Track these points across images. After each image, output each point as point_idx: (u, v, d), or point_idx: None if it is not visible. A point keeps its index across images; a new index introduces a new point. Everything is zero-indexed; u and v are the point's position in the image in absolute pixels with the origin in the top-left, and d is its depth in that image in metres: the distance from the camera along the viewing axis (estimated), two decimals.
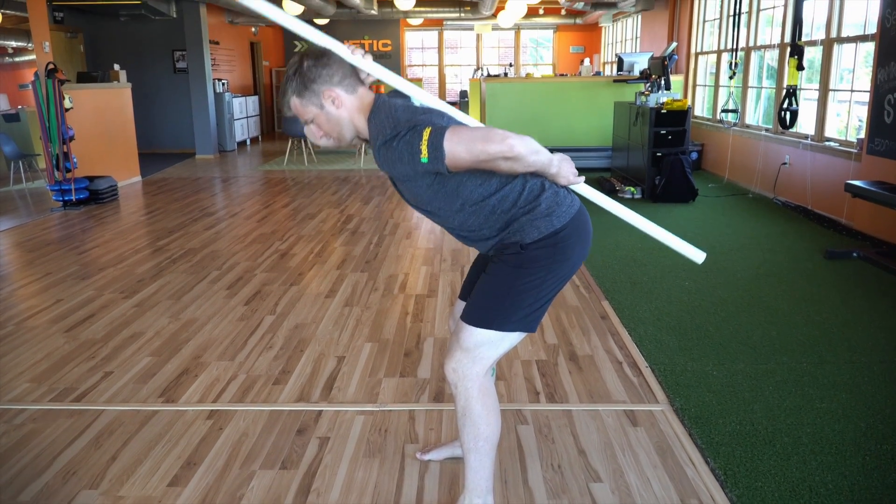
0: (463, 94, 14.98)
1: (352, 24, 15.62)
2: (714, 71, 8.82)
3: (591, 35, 16.01)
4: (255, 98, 13.49)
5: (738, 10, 6.20)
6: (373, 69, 1.82)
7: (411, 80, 10.89)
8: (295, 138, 10.40)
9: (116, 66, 8.71)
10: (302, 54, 1.79)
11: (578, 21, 15.05)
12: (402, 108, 1.72)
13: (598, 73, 11.02)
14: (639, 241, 5.29)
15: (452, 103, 15.93)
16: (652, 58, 8.33)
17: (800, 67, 5.07)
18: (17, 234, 5.98)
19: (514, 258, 1.80)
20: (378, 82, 1.97)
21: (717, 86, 8.71)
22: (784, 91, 5.25)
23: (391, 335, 3.51)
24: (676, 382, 2.87)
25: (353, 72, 1.80)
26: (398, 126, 1.66)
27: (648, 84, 7.44)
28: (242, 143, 12.94)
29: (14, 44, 11.51)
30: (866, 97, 5.57)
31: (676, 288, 4.16)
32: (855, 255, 4.69)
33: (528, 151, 1.62)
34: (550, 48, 16.62)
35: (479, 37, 16.40)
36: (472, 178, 1.76)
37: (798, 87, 5.20)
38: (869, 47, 5.57)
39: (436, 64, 16.71)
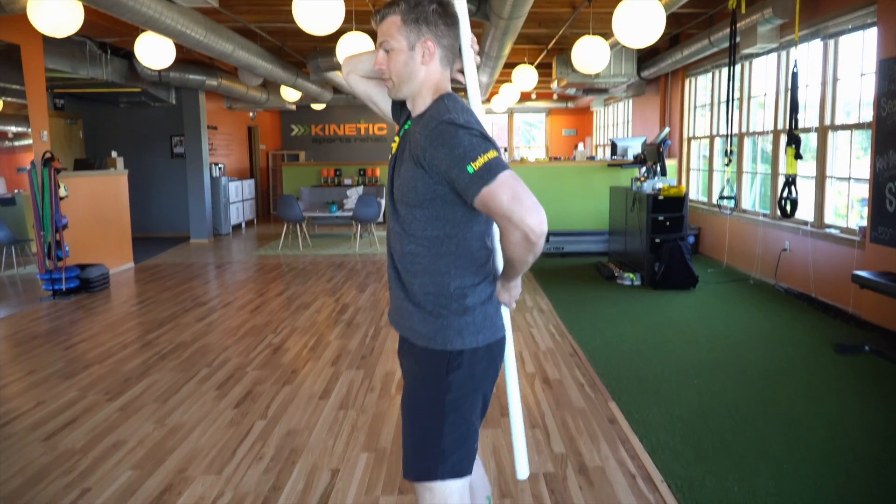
0: None
1: (348, 109, 15.93)
2: (707, 155, 8.91)
3: (583, 118, 16.33)
4: (252, 181, 13.57)
5: (730, 97, 6.27)
6: (471, 72, 1.75)
7: None
8: (290, 223, 10.38)
9: (114, 154, 8.74)
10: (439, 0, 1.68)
11: (570, 105, 15.37)
12: (479, 122, 1.63)
13: (591, 158, 11.14)
14: (643, 334, 5.17)
15: None
16: (646, 143, 8.43)
17: (798, 157, 5.08)
18: (4, 327, 5.81)
19: (438, 365, 1.67)
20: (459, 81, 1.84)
21: (710, 170, 8.78)
22: (783, 180, 5.23)
23: (388, 443, 3.32)
24: (696, 501, 2.68)
25: (457, 53, 1.72)
26: (473, 125, 1.56)
27: (644, 170, 7.47)
28: (237, 227, 12.93)
29: (14, 129, 11.61)
30: (863, 183, 5.58)
31: (686, 387, 4.00)
32: (867, 349, 4.56)
33: (540, 248, 1.54)
34: (543, 131, 16.92)
35: None
36: (469, 218, 1.66)
37: (796, 175, 5.19)
38: (865, 134, 5.61)
39: None
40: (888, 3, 4.90)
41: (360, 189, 12.64)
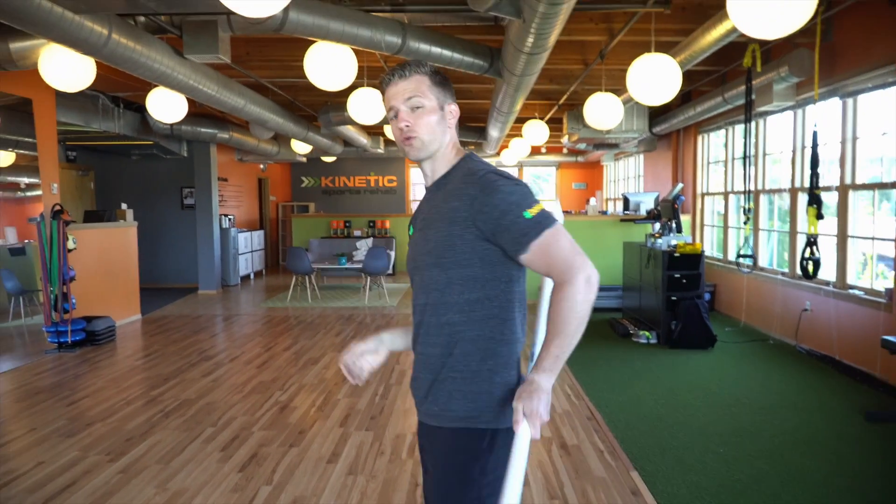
0: None
1: (358, 162, 16.04)
2: (722, 211, 8.83)
3: (593, 172, 16.37)
4: (261, 232, 13.57)
5: (747, 155, 6.22)
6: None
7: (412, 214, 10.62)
8: (299, 275, 10.30)
9: (123, 205, 8.74)
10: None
11: (580, 159, 15.43)
12: None
13: (603, 212, 11.09)
14: (662, 397, 4.99)
15: None
16: (659, 199, 8.36)
17: (819, 217, 4.98)
18: (8, 380, 5.68)
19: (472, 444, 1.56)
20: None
21: (725, 226, 8.68)
22: (804, 240, 5.12)
23: None
24: None
25: None
26: (512, 178, 1.58)
27: (659, 226, 7.38)
28: (246, 278, 12.86)
29: (27, 180, 11.69)
30: (888, 243, 5.46)
31: (710, 456, 3.82)
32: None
33: (594, 295, 1.49)
34: (553, 184, 16.95)
35: None
36: (510, 278, 1.60)
37: (818, 236, 5.09)
38: (889, 193, 5.52)
39: None
40: None
41: (370, 241, 12.60)
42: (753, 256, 6.63)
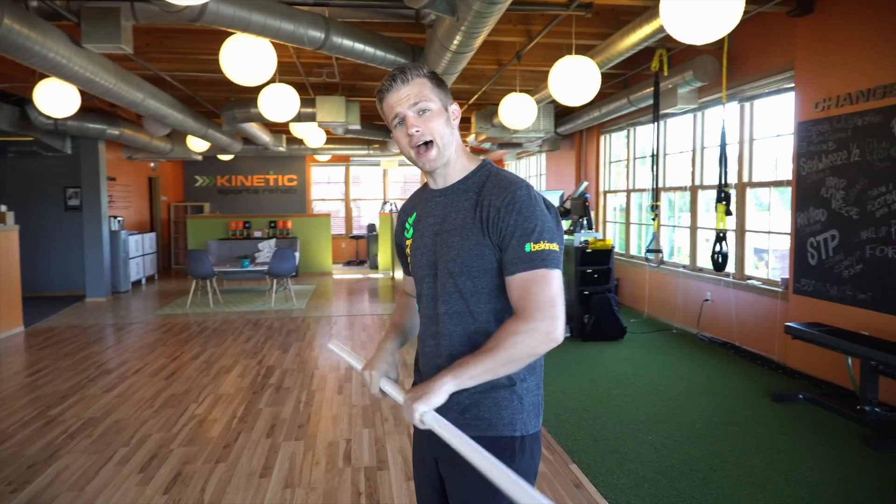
0: (371, 227, 14.93)
1: (256, 160, 15.50)
2: (624, 208, 9.17)
3: None
4: (153, 235, 12.83)
5: (655, 154, 6.47)
6: None
7: (315, 215, 10.80)
8: (199, 279, 9.81)
9: (2, 207, 8.00)
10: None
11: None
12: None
13: None
14: (586, 389, 5.10)
15: (360, 237, 15.83)
16: (569, 198, 8.57)
17: (728, 213, 5.25)
18: None
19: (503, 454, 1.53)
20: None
21: (627, 223, 9.03)
22: (715, 235, 5.39)
23: None
24: None
25: None
26: (540, 204, 1.56)
27: (570, 223, 7.57)
28: (137, 283, 12.13)
29: None
30: (776, 236, 5.84)
31: (642, 444, 3.93)
32: (801, 396, 4.68)
33: (542, 350, 1.48)
34: None
35: (385, 172, 16.64)
36: None
37: (727, 231, 5.36)
38: (783, 191, 5.89)
39: (342, 198, 16.71)
40: (804, 71, 5.21)
41: (273, 242, 12.21)
42: (661, 251, 6.90)
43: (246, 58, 4.64)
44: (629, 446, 3.91)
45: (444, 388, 1.41)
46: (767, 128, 6.10)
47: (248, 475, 3.63)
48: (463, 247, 1.55)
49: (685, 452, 3.81)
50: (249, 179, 15.74)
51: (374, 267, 14.34)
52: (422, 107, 1.56)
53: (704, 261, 7.13)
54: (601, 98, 8.66)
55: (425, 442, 1.69)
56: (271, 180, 15.83)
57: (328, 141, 12.55)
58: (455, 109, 1.63)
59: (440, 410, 1.50)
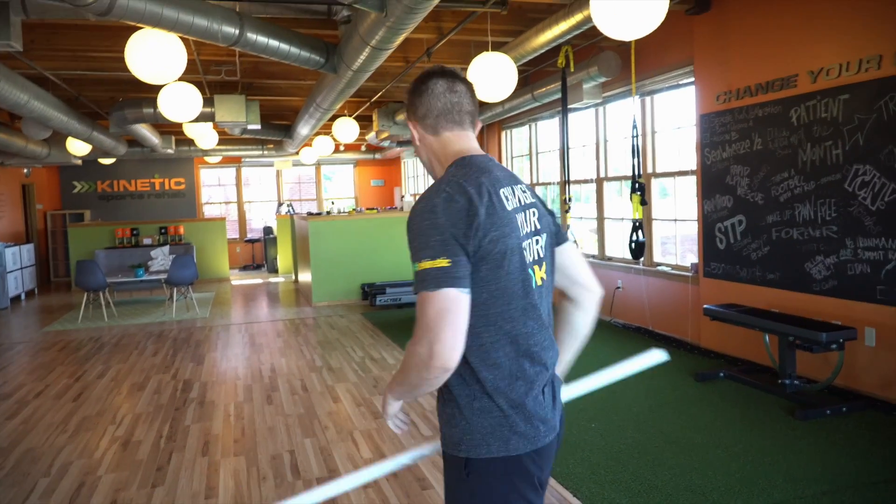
0: (267, 230, 14.49)
1: (140, 164, 14.64)
2: None
3: (391, 169, 16.54)
4: (31, 246, 11.84)
5: (565, 148, 6.66)
6: None
7: (208, 219, 10.36)
8: (91, 292, 9.15)
9: None
10: (429, 71, 1.61)
11: (378, 156, 15.50)
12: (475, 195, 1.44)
13: None
14: None
15: (256, 240, 15.33)
16: None
17: (643, 202, 5.48)
18: None
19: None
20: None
21: None
22: (632, 225, 5.62)
23: None
24: None
25: (449, 108, 1.56)
26: (443, 217, 1.39)
27: None
28: (17, 299, 11.17)
29: None
30: (681, 223, 6.18)
31: (588, 432, 4.04)
32: (721, 375, 4.97)
33: (429, 381, 1.43)
34: (351, 182, 16.85)
35: (279, 173, 16.19)
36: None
37: (642, 220, 5.61)
38: (688, 180, 6.22)
39: (234, 201, 16.11)
40: (704, 66, 5.52)
41: (166, 249, 11.60)
42: (576, 242, 7.12)
43: (154, 54, 4.35)
44: (576, 435, 4.00)
45: (387, 398, 1.58)
46: (669, 120, 6.42)
47: (192, 497, 3.42)
48: None
49: (630, 436, 3.95)
50: (133, 184, 14.85)
51: (274, 271, 13.93)
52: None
53: (613, 250, 7.43)
54: None
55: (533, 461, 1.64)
56: (157, 184, 15.01)
57: (220, 142, 12.05)
58: (412, 127, 1.63)
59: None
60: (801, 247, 4.70)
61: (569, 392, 1.68)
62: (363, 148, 15.09)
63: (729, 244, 5.37)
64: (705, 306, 5.09)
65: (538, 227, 1.57)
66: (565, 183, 6.66)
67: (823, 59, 4.43)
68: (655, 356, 1.59)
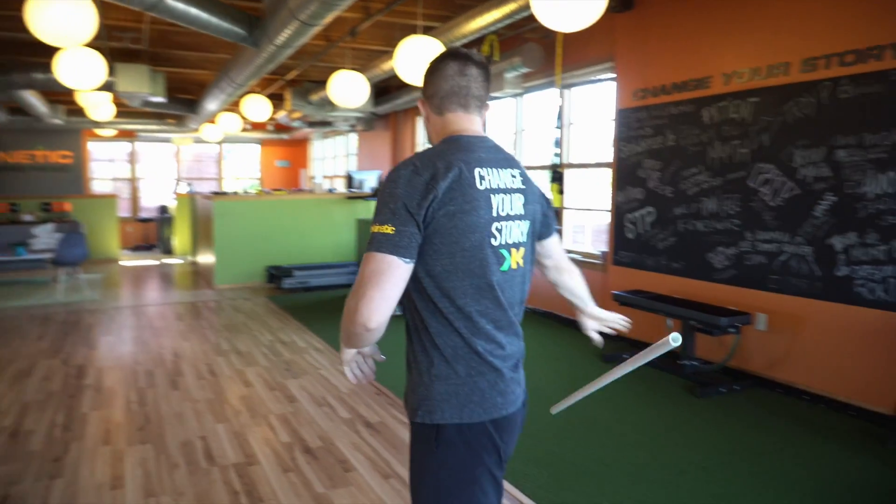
0: (162, 209, 13.80)
1: (21, 134, 13.49)
2: None
3: (298, 150, 16.14)
4: None
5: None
6: None
7: (98, 195, 9.84)
8: None
9: None
10: (445, 52, 1.64)
11: (285, 136, 15.08)
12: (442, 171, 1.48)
13: (331, 190, 11.02)
14: None
15: (149, 220, 14.58)
16: (382, 177, 8.58)
17: (561, 191, 5.60)
18: None
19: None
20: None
21: None
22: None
23: None
24: None
25: (456, 91, 1.59)
26: (402, 187, 1.45)
27: None
28: None
29: None
30: (592, 213, 6.37)
31: None
32: (625, 356, 5.17)
33: (353, 333, 1.47)
34: (256, 162, 16.31)
35: (177, 149, 15.45)
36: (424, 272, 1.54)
37: (562, 208, 5.73)
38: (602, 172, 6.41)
39: (126, 177, 15.23)
40: (624, 63, 5.69)
41: (50, 226, 10.83)
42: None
43: (61, 15, 4.01)
44: None
45: (341, 346, 1.63)
46: (586, 113, 6.59)
47: (97, 489, 3.21)
48: None
49: (549, 420, 4.03)
50: (11, 156, 13.71)
51: (169, 252, 13.31)
52: None
53: None
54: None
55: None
56: (39, 156, 13.93)
57: (116, 114, 11.35)
58: (421, 105, 1.68)
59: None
60: (704, 238, 4.95)
61: (592, 386, 1.87)
62: (270, 127, 14.63)
63: (638, 234, 5.58)
64: (614, 292, 5.28)
65: (522, 212, 1.60)
66: None
67: (736, 63, 4.66)
68: (670, 342, 1.64)
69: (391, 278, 1.40)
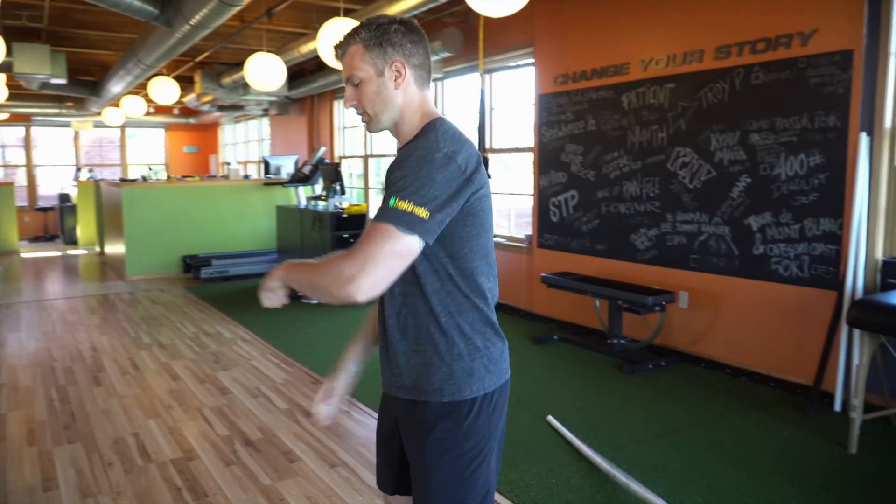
0: (63, 197, 13.06)
1: None
2: (362, 173, 9.36)
3: (206, 135, 15.60)
4: None
5: None
6: None
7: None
8: None
9: None
10: (400, 19, 1.54)
11: (192, 121, 14.53)
12: (467, 156, 1.47)
13: (247, 177, 10.72)
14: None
15: (49, 208, 13.77)
16: (305, 163, 8.46)
17: (488, 176, 5.68)
18: None
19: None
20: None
21: (366, 188, 9.24)
22: None
23: None
24: (532, 500, 2.84)
25: (430, 70, 1.58)
26: (421, 168, 1.41)
27: (323, 189, 7.52)
28: None
29: None
30: (516, 197, 6.52)
31: None
32: (556, 337, 5.35)
33: (336, 292, 1.41)
34: (162, 147, 15.65)
35: (77, 134, 14.61)
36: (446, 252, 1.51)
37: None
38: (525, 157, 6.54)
39: (21, 164, 14.30)
40: (543, 49, 5.82)
41: None
42: None
43: None
44: None
45: (277, 273, 1.53)
46: (507, 98, 6.70)
47: (28, 491, 3.06)
48: None
49: None
50: None
51: (72, 242, 12.62)
52: (354, 80, 1.53)
53: None
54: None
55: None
56: None
57: (8, 97, 10.62)
58: (398, 66, 1.51)
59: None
60: (627, 220, 5.17)
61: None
62: (176, 111, 14.06)
63: (562, 217, 5.75)
64: (542, 274, 5.43)
65: None
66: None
67: (653, 49, 4.86)
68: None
69: (405, 263, 1.39)
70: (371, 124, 1.58)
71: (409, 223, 1.36)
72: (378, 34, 1.50)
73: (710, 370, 4.62)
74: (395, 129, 1.57)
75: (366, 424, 3.80)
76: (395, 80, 1.52)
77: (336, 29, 5.07)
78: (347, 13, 5.83)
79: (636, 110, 5.01)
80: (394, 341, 1.57)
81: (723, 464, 3.22)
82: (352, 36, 1.52)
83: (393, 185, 1.40)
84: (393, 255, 1.36)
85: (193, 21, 4.92)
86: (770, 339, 4.30)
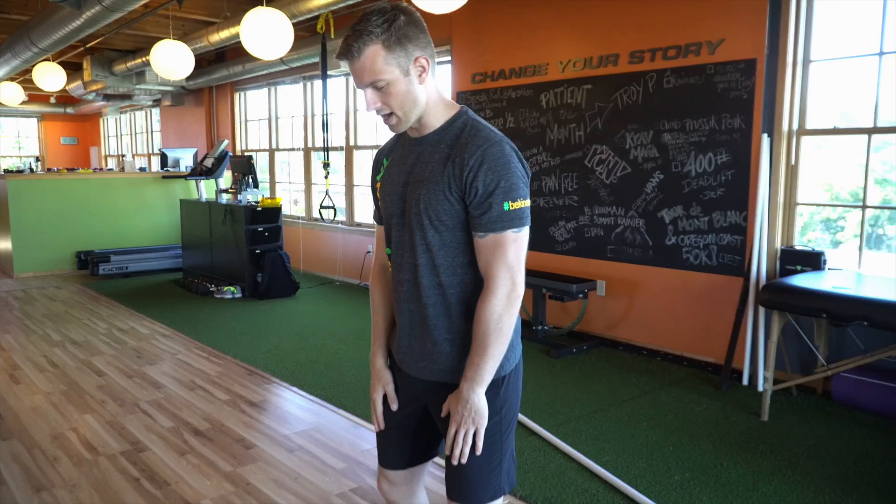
0: None
1: None
2: (267, 166, 9.22)
3: (86, 126, 14.69)
4: None
5: (325, 114, 6.74)
6: None
7: None
8: None
9: None
10: (394, 4, 1.48)
11: (70, 110, 13.65)
12: None
13: (142, 169, 10.23)
14: (299, 342, 5.21)
15: None
16: (206, 156, 8.24)
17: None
18: None
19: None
20: None
21: (273, 181, 9.13)
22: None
23: None
24: None
25: (434, 55, 1.57)
26: (514, 161, 1.52)
27: (235, 182, 7.37)
28: None
29: None
30: None
31: None
32: None
33: (514, 310, 1.55)
34: (36, 138, 14.56)
35: None
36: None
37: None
38: None
39: None
40: (461, 47, 6.03)
41: None
42: (334, 207, 7.20)
43: None
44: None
45: (475, 402, 1.55)
46: None
47: None
48: (430, 199, 1.53)
49: None
50: None
51: None
52: (377, 84, 1.48)
53: (362, 216, 7.72)
54: (233, 55, 8.52)
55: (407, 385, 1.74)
56: None
57: None
58: (422, 62, 1.50)
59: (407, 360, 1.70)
60: (547, 214, 5.49)
61: None
62: (52, 100, 13.16)
63: None
64: None
65: None
66: (325, 149, 6.74)
67: (571, 52, 5.19)
68: None
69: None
70: (400, 125, 1.55)
71: (524, 217, 1.51)
72: (394, 32, 1.46)
73: (629, 353, 4.99)
74: (420, 119, 1.57)
75: (314, 412, 3.86)
76: (420, 76, 1.51)
77: (259, 19, 5.03)
78: (270, 2, 5.78)
79: (555, 109, 5.33)
80: (436, 328, 1.61)
81: (656, 432, 3.55)
82: (365, 35, 1.45)
83: (498, 188, 1.47)
84: (523, 250, 1.52)
85: (107, 2, 4.75)
86: (682, 322, 4.73)
